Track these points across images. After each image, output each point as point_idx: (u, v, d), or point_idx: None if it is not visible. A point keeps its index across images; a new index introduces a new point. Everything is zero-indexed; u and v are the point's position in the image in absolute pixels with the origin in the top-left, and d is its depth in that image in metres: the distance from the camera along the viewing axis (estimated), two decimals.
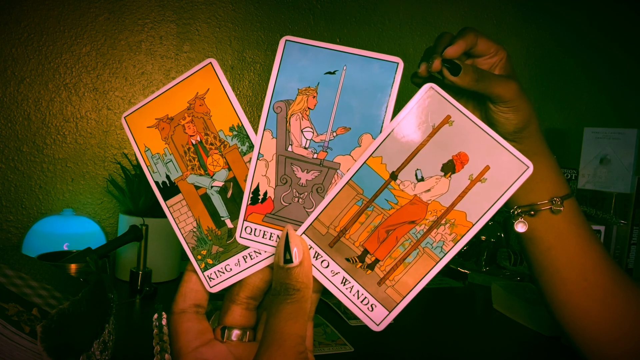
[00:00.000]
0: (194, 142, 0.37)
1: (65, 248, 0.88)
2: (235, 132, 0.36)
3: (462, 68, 0.45)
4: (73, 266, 0.73)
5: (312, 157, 0.35)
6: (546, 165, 0.53)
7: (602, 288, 0.53)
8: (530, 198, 0.53)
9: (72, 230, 0.91)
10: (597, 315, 0.53)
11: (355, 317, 0.55)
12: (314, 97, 0.35)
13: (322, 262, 0.34)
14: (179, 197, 0.37)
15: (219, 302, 0.38)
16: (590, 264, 0.53)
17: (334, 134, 0.34)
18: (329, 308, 0.79)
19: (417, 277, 0.33)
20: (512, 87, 0.47)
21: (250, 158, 0.35)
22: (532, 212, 0.53)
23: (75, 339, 0.41)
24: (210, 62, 0.36)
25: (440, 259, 0.33)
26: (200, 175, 0.37)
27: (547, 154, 0.53)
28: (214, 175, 0.36)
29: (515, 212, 0.54)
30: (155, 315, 0.61)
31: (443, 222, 0.33)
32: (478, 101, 0.52)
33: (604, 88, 1.49)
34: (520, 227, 0.53)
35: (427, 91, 0.34)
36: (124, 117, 0.38)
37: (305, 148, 0.35)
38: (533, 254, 0.55)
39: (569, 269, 0.53)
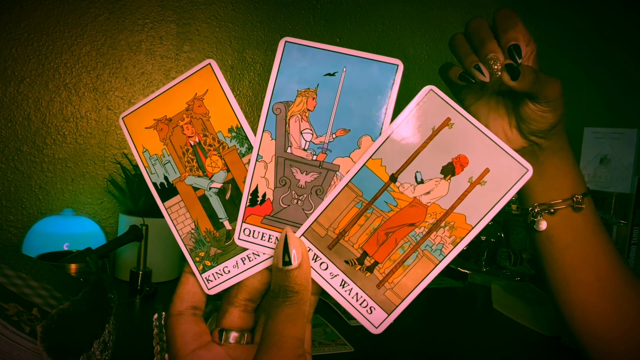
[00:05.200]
0: (192, 143, 0.36)
1: (65, 248, 0.88)
2: (234, 134, 0.36)
3: (521, 72, 0.42)
4: (73, 266, 0.73)
5: (312, 159, 0.35)
6: (568, 162, 0.52)
7: (614, 288, 0.53)
8: (552, 195, 0.52)
9: (72, 230, 0.91)
10: (609, 315, 0.53)
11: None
12: (314, 98, 0.34)
13: (321, 264, 0.34)
14: (177, 198, 0.37)
15: (218, 302, 0.38)
16: (604, 264, 0.53)
17: (334, 135, 0.34)
18: (329, 308, 0.79)
19: (416, 280, 0.33)
20: (558, 87, 0.46)
21: (249, 159, 0.35)
22: (552, 210, 0.52)
23: (75, 339, 0.41)
24: (209, 63, 0.36)
25: (440, 261, 0.33)
26: (199, 176, 0.37)
27: (569, 151, 0.53)
28: (212, 176, 0.36)
29: (535, 209, 0.53)
30: (155, 315, 0.61)
31: (442, 224, 0.33)
32: (509, 97, 0.50)
33: (603, 88, 1.49)
34: (542, 225, 0.52)
35: (427, 93, 0.34)
36: (122, 118, 0.38)
37: (304, 150, 0.35)
38: (549, 252, 0.54)
39: (584, 268, 0.52)
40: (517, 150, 0.51)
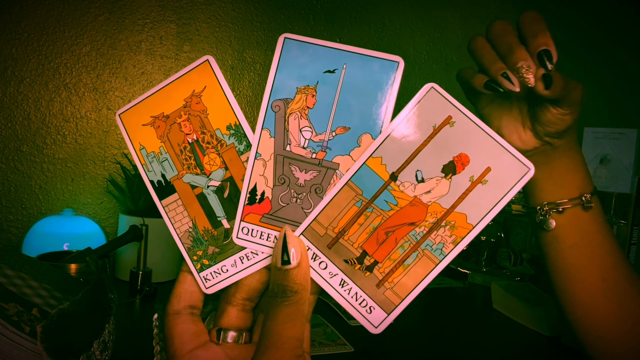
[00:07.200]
0: (190, 140, 0.36)
1: (65, 248, 0.88)
2: (232, 131, 0.36)
3: (553, 80, 0.41)
4: (73, 266, 0.73)
5: (311, 157, 0.34)
6: (577, 160, 0.52)
7: (619, 289, 0.52)
8: (560, 194, 0.52)
9: (72, 230, 0.91)
10: (613, 315, 0.52)
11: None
12: (313, 95, 0.34)
13: (320, 263, 0.34)
14: (174, 196, 0.36)
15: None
16: (609, 264, 0.52)
17: (333, 133, 0.34)
18: (328, 308, 0.78)
19: (416, 280, 0.33)
20: (580, 90, 0.45)
21: (248, 157, 0.35)
22: (561, 209, 0.52)
23: (75, 339, 0.41)
24: (207, 59, 0.36)
25: (440, 261, 0.32)
26: (197, 174, 0.36)
27: (578, 149, 0.52)
28: (210, 174, 0.36)
29: (544, 208, 0.53)
30: (155, 315, 0.61)
31: (443, 224, 0.33)
32: (525, 99, 0.50)
33: (604, 88, 1.48)
34: (552, 224, 0.52)
35: (428, 91, 0.33)
36: (118, 115, 0.37)
37: (303, 148, 0.34)
38: (555, 251, 0.53)
39: (590, 268, 0.52)
40: (529, 150, 0.51)
